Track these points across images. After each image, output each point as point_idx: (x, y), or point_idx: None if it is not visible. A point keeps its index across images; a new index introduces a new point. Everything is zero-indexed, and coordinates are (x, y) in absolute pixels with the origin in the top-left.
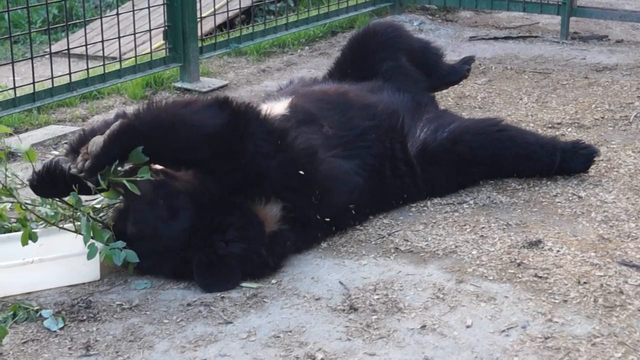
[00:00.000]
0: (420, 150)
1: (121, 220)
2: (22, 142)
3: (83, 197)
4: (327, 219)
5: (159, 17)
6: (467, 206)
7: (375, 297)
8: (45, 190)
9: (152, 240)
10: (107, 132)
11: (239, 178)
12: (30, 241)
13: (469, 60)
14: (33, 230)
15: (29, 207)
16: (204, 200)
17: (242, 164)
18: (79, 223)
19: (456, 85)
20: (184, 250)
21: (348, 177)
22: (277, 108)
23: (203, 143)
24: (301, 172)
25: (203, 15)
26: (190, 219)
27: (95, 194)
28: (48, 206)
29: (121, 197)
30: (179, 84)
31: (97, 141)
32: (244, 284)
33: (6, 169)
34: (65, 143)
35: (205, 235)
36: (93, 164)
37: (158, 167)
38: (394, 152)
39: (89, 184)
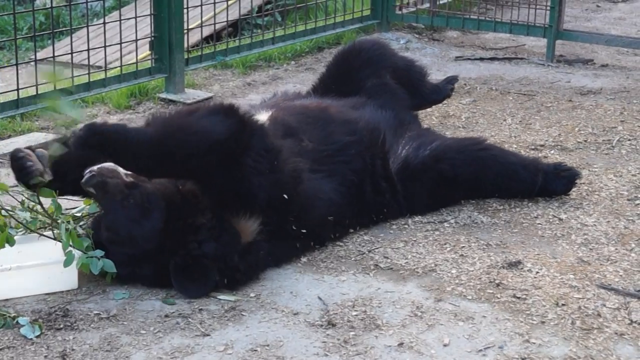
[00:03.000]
0: (402, 167)
1: (99, 228)
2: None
3: (64, 205)
4: (304, 231)
5: (145, 27)
6: (448, 225)
7: (354, 313)
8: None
9: (126, 242)
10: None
11: (231, 193)
12: (7, 245)
13: (452, 80)
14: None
15: (9, 212)
16: (175, 200)
17: (238, 177)
18: (57, 231)
19: (440, 105)
20: (160, 255)
21: (326, 193)
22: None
23: (210, 150)
24: (285, 196)
25: (190, 27)
26: (162, 219)
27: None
28: (28, 212)
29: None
30: (163, 95)
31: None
32: (222, 297)
33: None
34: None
35: (179, 237)
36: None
37: (124, 172)
38: (374, 168)
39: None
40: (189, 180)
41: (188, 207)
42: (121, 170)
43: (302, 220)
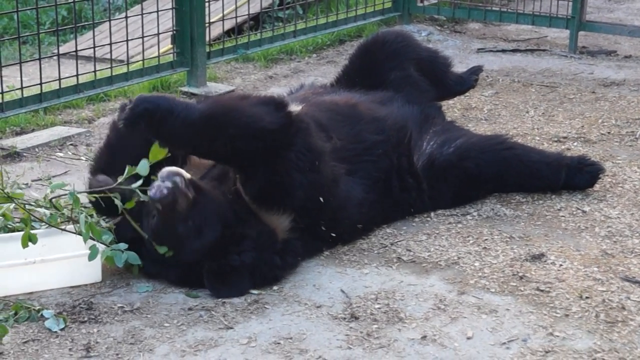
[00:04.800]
0: (427, 164)
1: (124, 220)
2: (27, 142)
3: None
4: (334, 234)
5: (167, 21)
6: (471, 218)
7: (377, 306)
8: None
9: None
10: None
11: (270, 186)
12: (30, 243)
13: (476, 71)
14: (35, 231)
15: (30, 208)
16: (229, 215)
17: (280, 171)
18: (78, 224)
19: (463, 97)
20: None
21: (356, 194)
22: None
23: (257, 136)
24: (321, 199)
25: (211, 21)
26: (213, 236)
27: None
28: (48, 209)
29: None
30: (185, 89)
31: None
32: None
33: (3, 173)
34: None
35: (220, 244)
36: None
37: (187, 175)
38: (400, 165)
39: (116, 201)
40: (231, 166)
41: (236, 218)
42: (186, 178)
43: (333, 222)
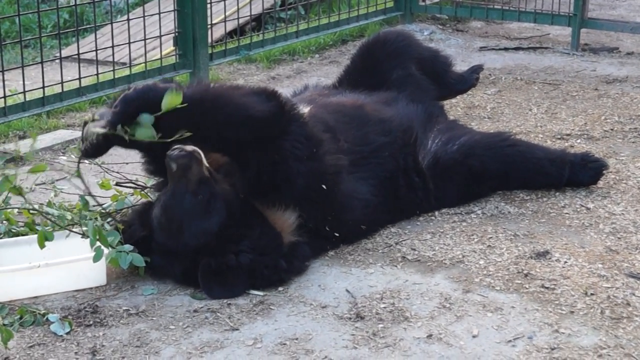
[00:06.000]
0: (432, 163)
1: (135, 219)
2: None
3: (91, 202)
4: (337, 234)
5: (169, 23)
6: (475, 216)
7: (382, 305)
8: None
9: (173, 231)
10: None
11: (267, 176)
12: (46, 242)
13: (477, 69)
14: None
15: (37, 210)
16: (235, 209)
17: (275, 160)
18: (85, 228)
19: (466, 95)
20: (196, 254)
21: (362, 195)
22: None
23: (245, 124)
24: (324, 187)
25: (213, 22)
26: (218, 225)
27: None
28: (55, 210)
29: (129, 202)
30: None
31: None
32: (250, 291)
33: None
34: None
35: (220, 242)
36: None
37: (206, 164)
38: (406, 165)
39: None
40: (226, 155)
41: (241, 218)
42: (204, 161)
43: (338, 221)
